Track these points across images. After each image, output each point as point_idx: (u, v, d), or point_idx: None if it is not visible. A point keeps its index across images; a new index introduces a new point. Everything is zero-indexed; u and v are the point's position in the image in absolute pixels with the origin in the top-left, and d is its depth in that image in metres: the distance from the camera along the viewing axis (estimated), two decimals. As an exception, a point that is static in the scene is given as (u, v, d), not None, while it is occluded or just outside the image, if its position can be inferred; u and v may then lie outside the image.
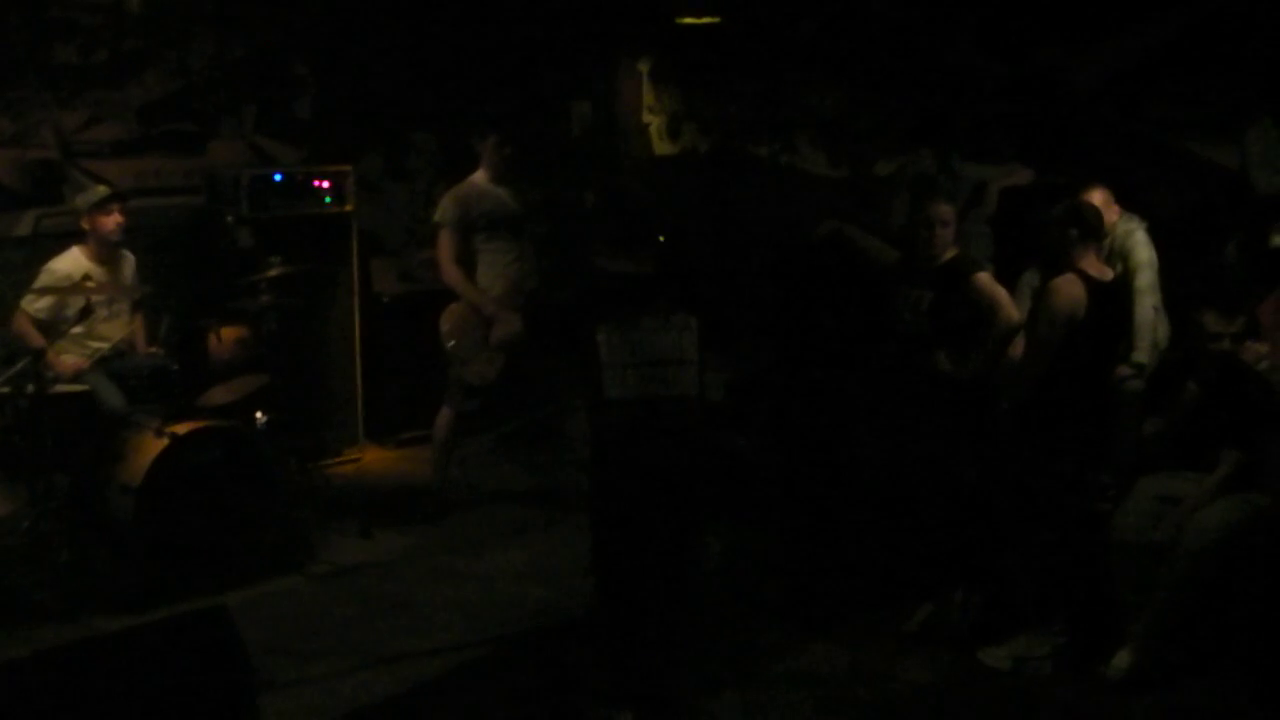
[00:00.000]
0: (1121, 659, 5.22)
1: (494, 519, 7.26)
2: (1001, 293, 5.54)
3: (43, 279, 6.49)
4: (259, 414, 6.78)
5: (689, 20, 8.60)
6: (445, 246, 6.97)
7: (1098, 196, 6.11)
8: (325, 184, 8.03)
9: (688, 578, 4.96)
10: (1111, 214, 6.19)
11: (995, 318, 5.49)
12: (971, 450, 5.71)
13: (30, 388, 6.05)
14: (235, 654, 4.16)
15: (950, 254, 5.67)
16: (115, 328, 6.73)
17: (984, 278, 5.58)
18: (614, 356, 4.66)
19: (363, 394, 8.36)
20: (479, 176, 7.07)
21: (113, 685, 3.86)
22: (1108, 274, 5.49)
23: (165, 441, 6.06)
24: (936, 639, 5.65)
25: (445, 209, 7.01)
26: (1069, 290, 5.27)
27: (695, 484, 4.86)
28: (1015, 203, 7.40)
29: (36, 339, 6.29)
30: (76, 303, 6.32)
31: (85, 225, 6.60)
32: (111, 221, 6.58)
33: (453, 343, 6.96)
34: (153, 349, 6.92)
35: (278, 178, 7.89)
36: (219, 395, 6.63)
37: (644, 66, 9.46)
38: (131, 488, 6.00)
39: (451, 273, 6.95)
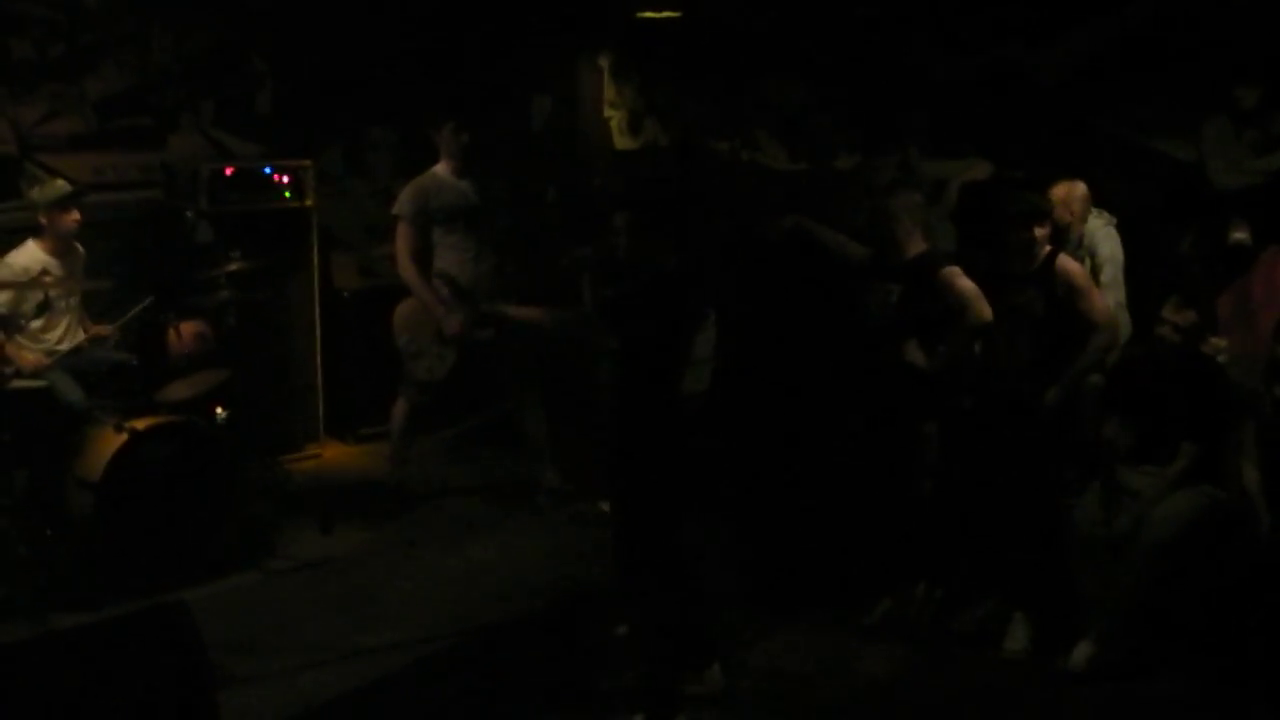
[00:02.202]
0: (1081, 651, 5.26)
1: (453, 514, 7.24)
2: (970, 288, 5.55)
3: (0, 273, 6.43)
4: (219, 409, 6.75)
5: (649, 15, 8.60)
6: (402, 240, 6.93)
7: (1061, 190, 6.17)
8: (285, 178, 7.97)
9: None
10: (1076, 211, 6.24)
11: (964, 313, 5.52)
12: (939, 443, 5.75)
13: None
14: (193, 650, 4.13)
15: (919, 249, 5.71)
16: (72, 323, 6.67)
17: (953, 272, 5.60)
18: (700, 351, 4.76)
19: (323, 389, 8.31)
20: (440, 168, 7.04)
21: (70, 681, 3.83)
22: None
23: (124, 437, 6.02)
24: (897, 632, 5.68)
25: (403, 202, 6.97)
26: None
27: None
28: (974, 197, 7.44)
29: (-7, 335, 6.24)
30: (35, 298, 6.26)
31: (43, 220, 6.54)
32: (70, 219, 6.53)
33: (405, 338, 6.96)
34: (110, 331, 6.83)
35: (237, 172, 7.84)
36: (178, 390, 6.59)
37: (605, 61, 9.46)
38: (90, 483, 5.96)
39: (406, 268, 6.92)
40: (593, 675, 5.37)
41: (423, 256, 6.95)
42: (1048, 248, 5.70)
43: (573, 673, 5.39)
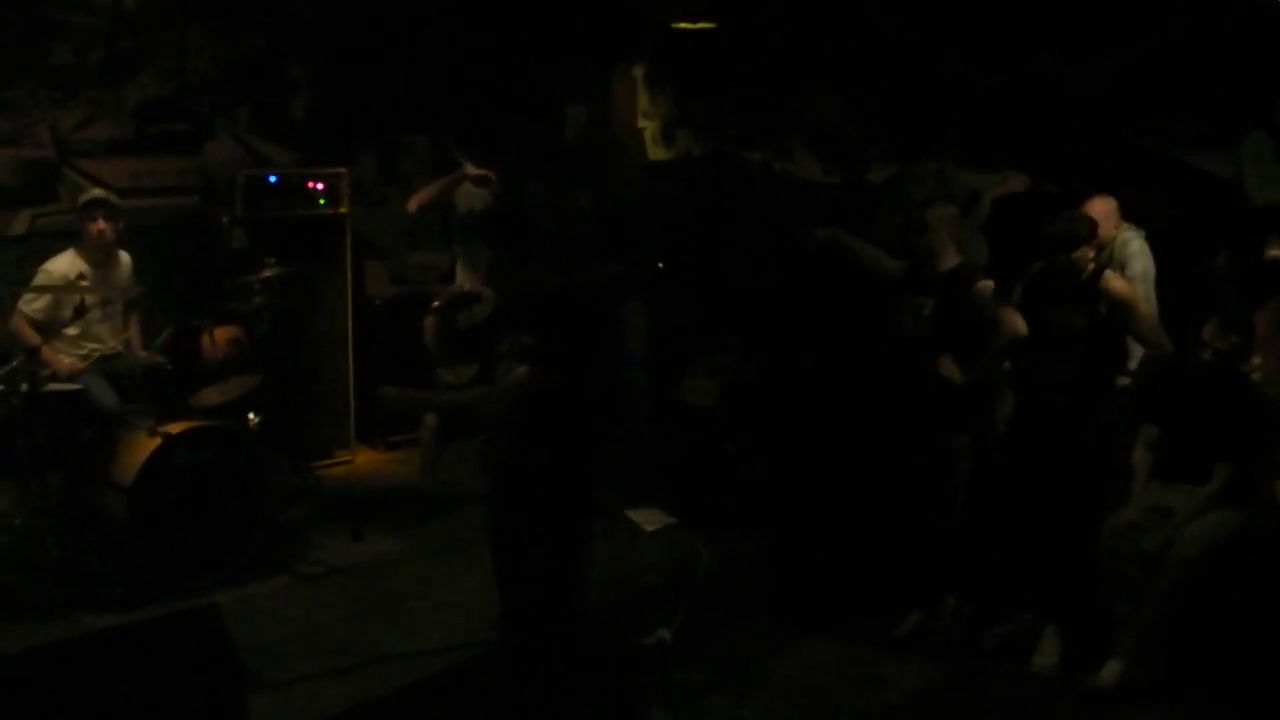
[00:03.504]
0: (1111, 669, 5.23)
1: (482, 523, 7.25)
2: (1005, 303, 5.57)
3: (39, 279, 6.47)
4: (251, 415, 6.79)
5: (684, 25, 8.61)
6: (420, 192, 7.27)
7: (1098, 206, 6.13)
8: (320, 186, 8.03)
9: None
10: (1110, 226, 6.20)
11: (998, 327, 5.51)
12: (971, 457, 5.73)
13: (24, 386, 6.05)
14: (225, 653, 4.16)
15: (953, 262, 5.70)
16: (109, 329, 6.72)
17: (985, 286, 5.60)
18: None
19: (355, 396, 8.36)
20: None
21: (103, 682, 3.87)
22: None
23: (158, 441, 6.06)
24: (926, 646, 5.67)
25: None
26: None
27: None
28: (1009, 211, 7.42)
29: (32, 338, 6.29)
30: (72, 303, 6.31)
31: (78, 228, 6.60)
32: (95, 227, 6.55)
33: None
34: (147, 354, 6.89)
35: (272, 179, 7.90)
36: (212, 395, 6.63)
37: (639, 71, 9.47)
38: (124, 487, 6.00)
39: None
40: (613, 689, 5.35)
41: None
42: (1092, 265, 5.63)
43: (594, 685, 5.38)
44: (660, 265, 7.96)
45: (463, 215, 7.15)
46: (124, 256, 6.82)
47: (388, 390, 5.21)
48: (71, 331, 6.45)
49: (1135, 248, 6.28)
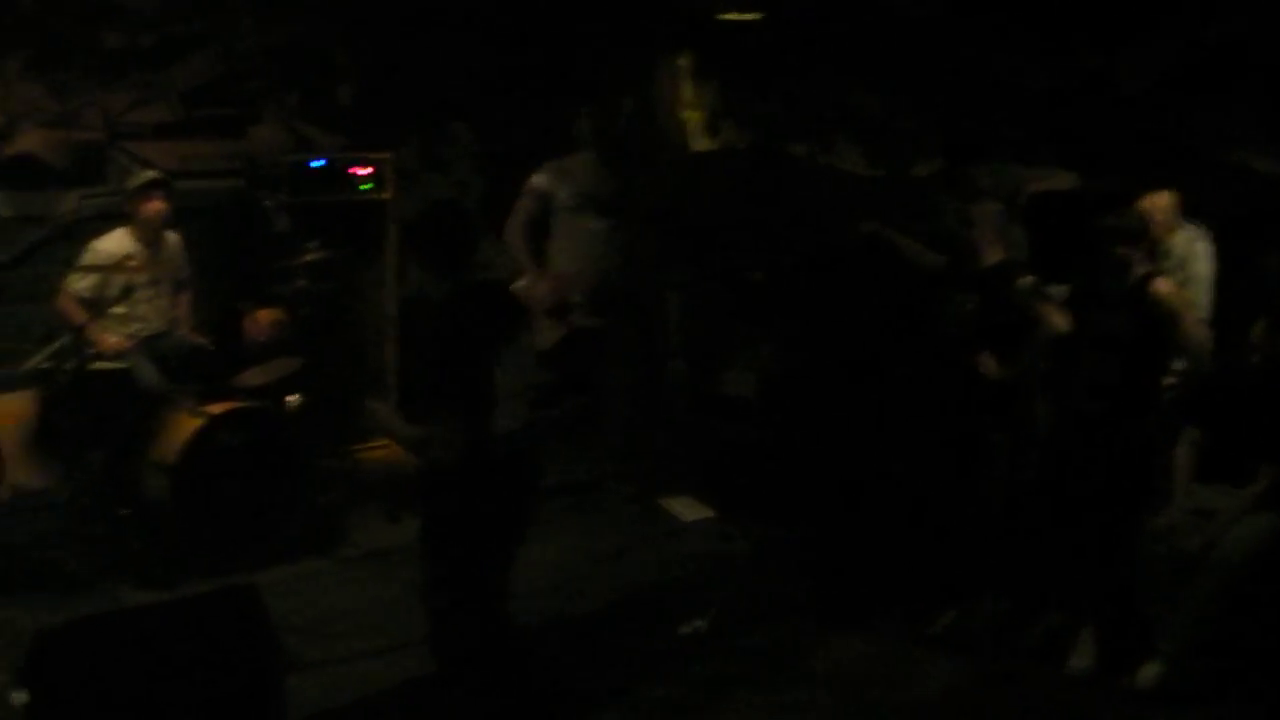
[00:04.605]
0: (1149, 670, 5.20)
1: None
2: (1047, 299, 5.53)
3: (86, 258, 6.54)
4: (292, 397, 6.83)
5: (730, 17, 8.59)
6: (519, 211, 7.09)
7: (1159, 201, 6.04)
8: (364, 171, 8.07)
9: None
10: (1170, 222, 6.10)
11: (1040, 324, 5.48)
12: (1010, 453, 5.70)
13: (70, 364, 6.12)
14: (264, 632, 4.21)
15: (996, 258, 5.67)
16: (156, 308, 6.78)
17: (1029, 283, 5.55)
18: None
19: (395, 380, 8.39)
20: (579, 154, 7.17)
21: (144, 658, 3.92)
22: None
23: (200, 421, 6.12)
24: (961, 644, 5.65)
25: (531, 182, 7.13)
26: None
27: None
28: (1054, 207, 7.36)
29: (79, 316, 6.35)
30: (119, 282, 6.37)
31: (129, 209, 6.66)
32: (152, 207, 6.63)
33: None
34: (192, 334, 6.95)
35: (317, 164, 7.94)
36: (253, 377, 6.68)
37: (684, 62, 9.46)
38: (166, 466, 6.06)
39: (514, 238, 7.04)
40: (638, 681, 5.34)
41: (538, 235, 7.06)
42: (1143, 269, 5.48)
43: (625, 676, 5.40)
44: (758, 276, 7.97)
45: (578, 192, 7.12)
46: (172, 237, 6.89)
47: (374, 408, 5.14)
48: (119, 310, 6.51)
49: (1200, 248, 6.15)
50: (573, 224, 7.06)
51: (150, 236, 6.69)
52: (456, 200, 6.85)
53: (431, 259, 4.61)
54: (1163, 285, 5.47)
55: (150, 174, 6.80)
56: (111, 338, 6.49)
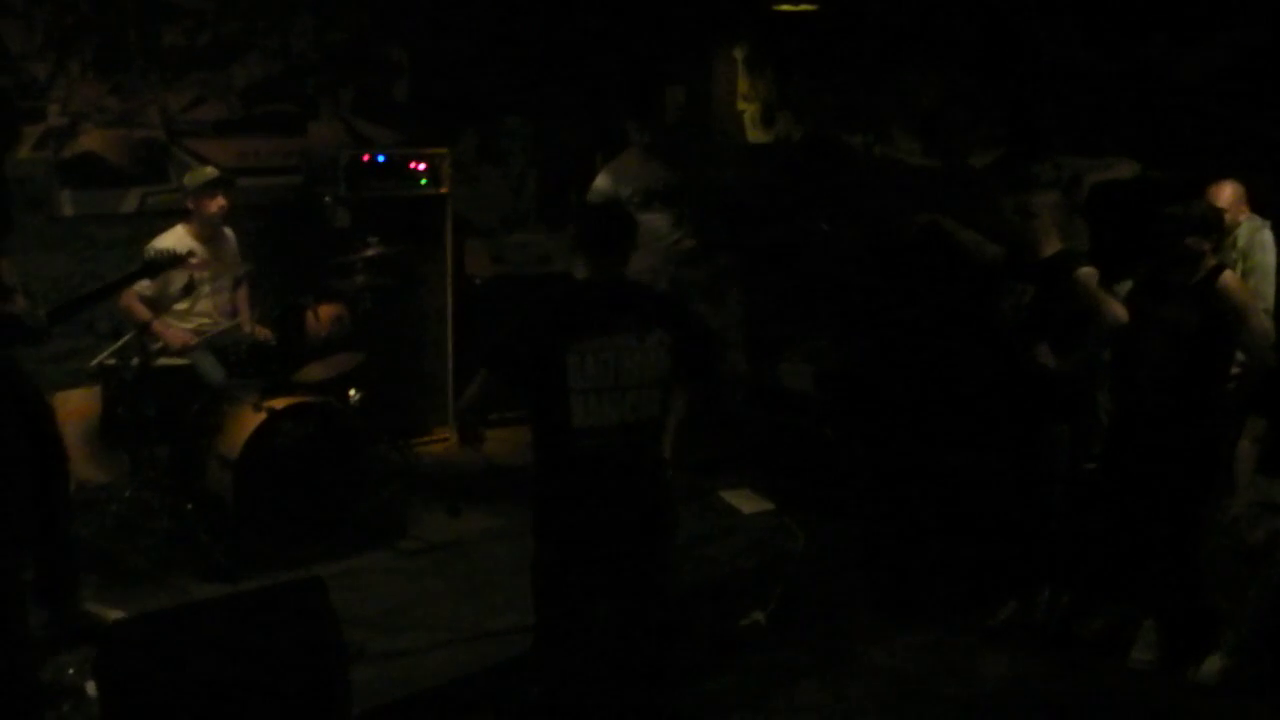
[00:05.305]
0: (1213, 663, 5.16)
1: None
2: (1103, 290, 5.50)
3: (147, 256, 6.61)
4: (353, 391, 6.88)
5: (786, 7, 8.56)
6: None
7: (1227, 191, 5.97)
8: (421, 166, 8.13)
9: (655, 619, 4.58)
10: (1238, 212, 6.04)
11: (1098, 315, 5.43)
12: (1071, 445, 5.67)
13: (135, 360, 6.20)
14: (328, 624, 4.25)
15: (1054, 248, 5.63)
16: (217, 304, 6.88)
17: (1087, 273, 5.51)
18: (581, 381, 4.23)
19: (454, 375, 8.45)
20: (632, 150, 7.18)
21: (212, 649, 3.97)
22: None
23: (263, 416, 6.18)
24: (1021, 635, 5.62)
25: (596, 185, 7.15)
26: None
27: (655, 518, 4.46)
28: (1115, 198, 7.29)
29: (142, 314, 6.44)
30: (180, 279, 6.45)
31: (190, 205, 6.75)
32: (215, 205, 6.73)
33: None
34: (255, 328, 7.02)
35: (378, 159, 8.00)
36: (315, 372, 6.74)
37: (739, 53, 9.44)
38: (230, 460, 6.12)
39: None
40: (698, 673, 5.33)
41: None
42: (1212, 261, 5.39)
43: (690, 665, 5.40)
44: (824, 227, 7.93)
45: (643, 189, 7.11)
46: (230, 234, 6.98)
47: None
48: (181, 306, 6.61)
49: (1264, 238, 6.06)
50: (639, 220, 7.04)
51: (210, 233, 6.79)
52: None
53: (602, 253, 4.54)
54: (1231, 279, 5.40)
55: (212, 171, 6.89)
56: (176, 334, 6.58)
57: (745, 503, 7.23)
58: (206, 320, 6.79)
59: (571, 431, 4.25)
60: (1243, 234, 6.07)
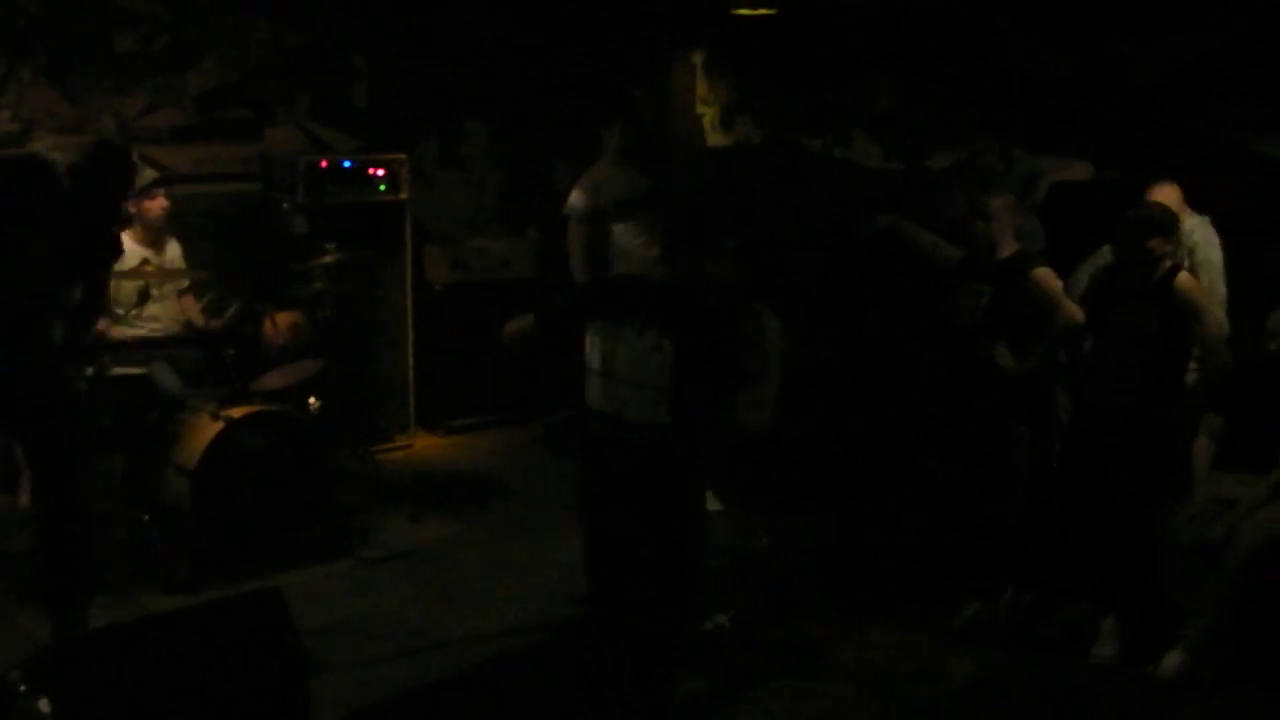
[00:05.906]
0: (1171, 659, 5.19)
1: (544, 506, 7.28)
2: (1060, 289, 5.55)
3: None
4: (312, 399, 6.84)
5: (744, 12, 8.57)
6: (574, 238, 6.92)
7: (1163, 193, 6.03)
8: (380, 172, 8.08)
9: (677, 601, 4.87)
10: (1182, 211, 6.09)
11: (1055, 315, 5.48)
12: (1031, 445, 5.69)
13: (89, 370, 6.14)
14: (288, 635, 4.22)
15: (1010, 250, 5.68)
16: (167, 309, 6.83)
17: (1043, 274, 5.57)
18: (594, 363, 4.52)
19: (414, 381, 8.41)
20: (605, 161, 7.08)
21: (168, 663, 3.93)
22: None
23: (220, 425, 6.13)
24: (983, 636, 5.64)
25: (572, 201, 6.97)
26: None
27: (670, 509, 4.74)
28: (1072, 198, 7.34)
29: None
30: (133, 287, 6.40)
31: (132, 210, 6.68)
32: (157, 206, 6.70)
33: None
34: (213, 322, 6.96)
35: (343, 164, 7.95)
36: (273, 380, 6.69)
37: (698, 58, 9.45)
38: (187, 470, 6.07)
39: (580, 267, 6.90)
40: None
41: (600, 253, 6.91)
42: (1168, 262, 5.46)
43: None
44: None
45: (619, 199, 7.05)
46: (174, 240, 6.95)
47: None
48: (135, 313, 6.57)
49: (1200, 236, 6.15)
50: (621, 232, 6.99)
51: (154, 237, 6.75)
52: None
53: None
54: (1188, 279, 5.49)
55: (151, 173, 6.85)
56: (129, 330, 6.53)
57: (707, 504, 7.20)
58: (156, 324, 6.74)
59: None
60: (1186, 232, 6.13)
